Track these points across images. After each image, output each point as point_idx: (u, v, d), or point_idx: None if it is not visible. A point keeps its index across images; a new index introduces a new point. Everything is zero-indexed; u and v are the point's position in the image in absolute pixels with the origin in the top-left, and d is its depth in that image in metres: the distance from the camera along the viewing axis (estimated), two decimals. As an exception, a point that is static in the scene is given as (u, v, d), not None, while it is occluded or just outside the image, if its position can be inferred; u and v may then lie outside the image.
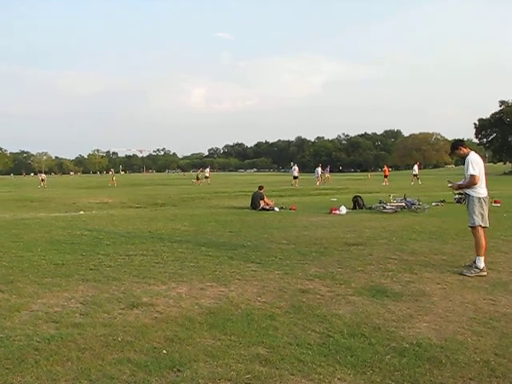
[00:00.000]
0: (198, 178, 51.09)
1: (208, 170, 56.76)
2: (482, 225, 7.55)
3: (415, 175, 45.30)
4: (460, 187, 8.07)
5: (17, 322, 5.15)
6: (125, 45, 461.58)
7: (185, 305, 5.81)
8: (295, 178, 45.72)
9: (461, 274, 7.23)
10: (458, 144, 7.99)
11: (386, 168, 52.48)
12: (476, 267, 7.22)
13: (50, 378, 3.83)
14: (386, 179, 48.09)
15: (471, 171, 7.46)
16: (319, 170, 51.35)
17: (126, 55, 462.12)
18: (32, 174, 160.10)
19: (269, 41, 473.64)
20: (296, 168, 48.12)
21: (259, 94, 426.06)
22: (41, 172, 64.29)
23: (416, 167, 46.99)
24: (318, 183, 47.60)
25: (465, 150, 7.76)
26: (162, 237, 11.19)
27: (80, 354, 4.27)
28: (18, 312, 5.51)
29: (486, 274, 7.16)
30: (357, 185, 45.80)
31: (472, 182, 7.52)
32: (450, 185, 8.30)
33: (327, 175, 58.25)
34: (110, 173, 62.73)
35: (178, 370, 3.98)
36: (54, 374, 3.90)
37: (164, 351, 4.36)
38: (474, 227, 7.58)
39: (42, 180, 56.00)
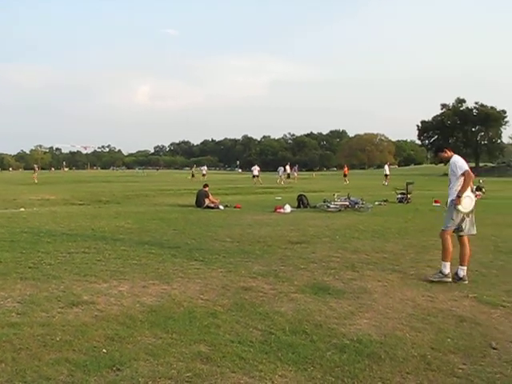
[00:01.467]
0: (193, 175, 50.59)
1: (205, 167, 55.94)
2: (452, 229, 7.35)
3: (386, 175, 45.66)
4: (460, 193, 7.21)
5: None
6: (72, 39, 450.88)
7: (126, 303, 5.73)
8: (255, 176, 46.91)
9: (425, 278, 7.12)
10: (443, 146, 8.01)
11: (346, 167, 54.26)
12: (440, 272, 7.20)
13: (-18, 381, 3.72)
14: (345, 178, 49.60)
15: (461, 170, 7.24)
16: (282, 169, 52.03)
17: (73, 50, 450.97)
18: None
19: (216, 39, 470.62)
20: (257, 167, 49.08)
21: (206, 92, 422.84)
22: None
23: (387, 167, 47.83)
24: (281, 182, 48.08)
25: (449, 153, 7.76)
26: (104, 234, 11.03)
27: (15, 355, 4.16)
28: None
29: (450, 280, 7.03)
30: (302, 184, 46.25)
31: (470, 177, 7.27)
32: (459, 207, 7.23)
33: (295, 174, 58.69)
34: (34, 170, 60.18)
35: (118, 369, 3.92)
36: (-15, 376, 3.78)
37: (104, 350, 4.29)
38: (444, 231, 7.37)
39: None
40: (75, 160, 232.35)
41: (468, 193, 7.22)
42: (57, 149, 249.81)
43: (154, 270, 7.40)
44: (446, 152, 7.73)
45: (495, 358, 4.33)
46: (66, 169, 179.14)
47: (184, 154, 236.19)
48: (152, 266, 7.67)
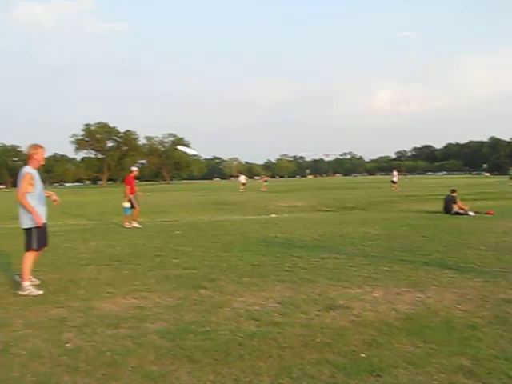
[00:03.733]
0: (393, 182, 49.09)
1: (395, 173, 53.16)
2: None
3: None
4: None
5: (221, 318, 5.46)
6: (304, 49, 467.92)
7: (381, 309, 5.73)
8: (394, 182, 43.94)
9: None
10: None
11: None
12: None
13: (254, 373, 4.00)
14: None
15: None
16: None
17: (308, 60, 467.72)
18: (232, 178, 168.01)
19: (457, 38, 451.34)
20: (395, 173, 46.00)
21: (447, 93, 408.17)
22: (241, 174, 63.20)
23: None
24: None
25: None
26: (353, 241, 11.17)
27: (280, 352, 4.41)
28: (221, 308, 5.84)
29: None
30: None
31: None
32: None
33: None
34: (261, 178, 60.29)
35: (378, 375, 3.92)
36: (257, 369, 4.06)
37: (362, 355, 4.33)
38: None
39: (243, 184, 55.04)
40: (317, 167, 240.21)
41: None
42: (300, 157, 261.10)
43: (406, 277, 7.29)
44: None
45: None
46: (310, 176, 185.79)
47: (426, 159, 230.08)
48: (404, 273, 7.56)
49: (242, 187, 54.02)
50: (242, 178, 56.27)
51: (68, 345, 4.72)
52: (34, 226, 6.96)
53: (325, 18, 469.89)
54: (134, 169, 17.62)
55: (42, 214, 7.07)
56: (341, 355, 4.33)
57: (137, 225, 16.09)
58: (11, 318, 5.62)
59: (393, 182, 44.23)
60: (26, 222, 6.99)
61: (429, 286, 6.73)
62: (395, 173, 46.72)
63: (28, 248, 7.07)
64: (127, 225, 16.11)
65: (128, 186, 16.48)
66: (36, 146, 7.18)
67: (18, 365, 4.25)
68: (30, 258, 7.09)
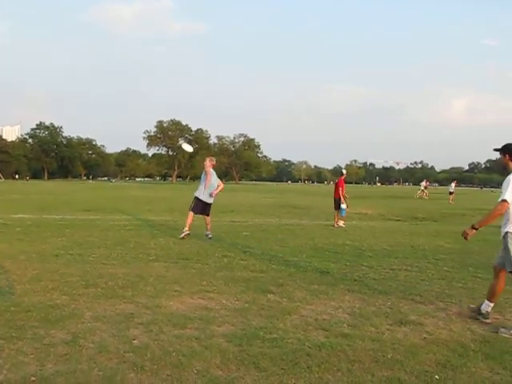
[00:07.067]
0: (450, 193, 47.30)
1: (453, 185, 50.43)
2: None
3: None
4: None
5: (289, 325, 5.35)
6: (380, 58, 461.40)
7: (455, 328, 5.48)
8: (451, 193, 43.56)
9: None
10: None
11: None
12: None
13: (322, 386, 3.88)
14: None
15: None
16: None
17: (383, 68, 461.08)
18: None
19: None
20: (453, 184, 46.12)
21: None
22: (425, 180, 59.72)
23: None
24: None
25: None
26: (425, 253, 10.85)
27: (350, 366, 4.26)
28: (289, 315, 5.73)
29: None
30: None
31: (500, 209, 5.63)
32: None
33: None
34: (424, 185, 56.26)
35: (456, 399, 3.72)
36: (325, 383, 3.93)
37: (436, 376, 4.12)
38: None
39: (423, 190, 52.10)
40: (388, 175, 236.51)
41: None
42: (370, 164, 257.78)
43: (481, 295, 6.88)
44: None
45: None
46: (379, 184, 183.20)
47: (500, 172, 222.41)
48: (479, 291, 7.20)
49: (420, 193, 52.31)
50: (423, 184, 54.46)
51: (135, 341, 4.72)
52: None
53: (400, 27, 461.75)
54: (344, 171, 19.38)
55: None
56: (413, 375, 4.14)
57: (342, 224, 17.11)
58: (81, 310, 5.70)
59: (450, 193, 43.50)
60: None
61: (507, 308, 6.41)
62: (453, 184, 46.60)
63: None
64: (340, 224, 17.13)
65: (341, 188, 17.65)
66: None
67: (86, 357, 4.28)
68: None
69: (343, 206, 17.41)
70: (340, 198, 17.44)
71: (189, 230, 12.27)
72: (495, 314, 6.06)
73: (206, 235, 12.46)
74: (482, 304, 5.92)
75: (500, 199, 5.64)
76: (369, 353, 4.60)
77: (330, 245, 11.76)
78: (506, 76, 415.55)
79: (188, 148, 13.66)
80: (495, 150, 5.97)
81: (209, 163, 12.61)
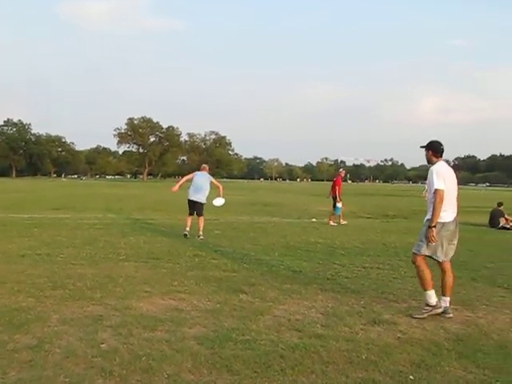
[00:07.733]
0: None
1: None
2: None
3: None
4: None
5: (261, 326, 5.25)
6: (354, 57, 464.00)
7: (429, 327, 5.45)
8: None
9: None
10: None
11: None
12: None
13: (296, 389, 3.79)
14: None
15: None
16: None
17: (357, 67, 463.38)
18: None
19: (506, 47, 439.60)
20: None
21: (495, 104, 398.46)
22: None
23: None
24: None
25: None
26: (396, 250, 10.88)
27: (324, 368, 4.18)
28: (262, 316, 5.63)
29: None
30: None
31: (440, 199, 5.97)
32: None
33: None
34: None
35: (430, 401, 3.67)
36: (300, 386, 3.85)
37: (411, 376, 4.06)
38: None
39: None
40: (358, 173, 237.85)
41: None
42: (341, 161, 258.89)
43: (454, 293, 6.93)
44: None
45: None
46: (349, 181, 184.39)
47: (469, 170, 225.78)
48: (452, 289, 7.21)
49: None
50: None
51: (103, 345, 4.57)
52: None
53: (372, 27, 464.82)
54: (341, 170, 20.57)
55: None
56: (388, 375, 4.08)
57: (344, 222, 17.80)
58: (47, 313, 5.52)
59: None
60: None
61: (479, 306, 6.43)
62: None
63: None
64: (343, 222, 17.72)
65: (337, 187, 18.00)
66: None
67: (52, 363, 4.11)
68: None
69: (339, 204, 17.69)
70: (336, 197, 17.74)
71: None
72: (467, 312, 6.07)
73: (198, 236, 12.46)
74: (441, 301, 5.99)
75: (433, 190, 6.02)
76: (343, 353, 4.52)
77: (301, 243, 11.72)
78: (475, 76, 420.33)
79: (220, 202, 13.53)
80: (421, 147, 6.47)
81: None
